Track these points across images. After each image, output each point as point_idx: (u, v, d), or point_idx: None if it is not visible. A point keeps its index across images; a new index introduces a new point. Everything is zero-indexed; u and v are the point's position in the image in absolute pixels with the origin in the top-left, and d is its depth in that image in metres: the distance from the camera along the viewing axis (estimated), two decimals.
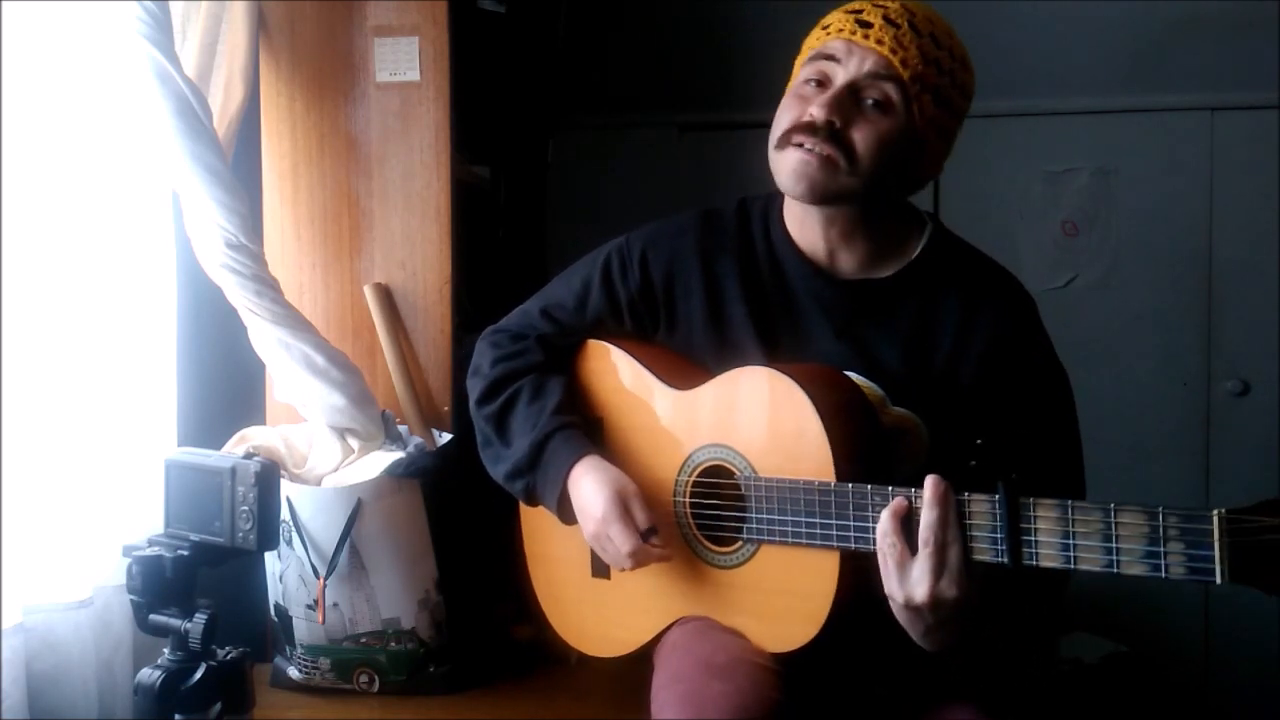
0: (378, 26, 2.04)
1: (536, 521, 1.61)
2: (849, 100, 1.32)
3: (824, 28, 1.38)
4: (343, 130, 2.06)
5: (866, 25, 1.33)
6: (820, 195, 1.33)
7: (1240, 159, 3.01)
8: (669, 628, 1.45)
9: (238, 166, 1.90)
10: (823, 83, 1.34)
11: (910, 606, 1.17)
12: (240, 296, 1.84)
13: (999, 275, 1.43)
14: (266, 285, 1.85)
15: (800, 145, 1.32)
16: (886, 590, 1.19)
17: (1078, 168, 3.12)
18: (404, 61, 2.03)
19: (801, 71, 1.38)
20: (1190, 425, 3.06)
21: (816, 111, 1.31)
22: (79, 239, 1.69)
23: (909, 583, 1.16)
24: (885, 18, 1.33)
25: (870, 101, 1.32)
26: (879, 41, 1.32)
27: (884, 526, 1.18)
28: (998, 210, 3.12)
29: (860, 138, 1.31)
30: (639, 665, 1.50)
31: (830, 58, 1.34)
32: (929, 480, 1.16)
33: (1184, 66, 3.02)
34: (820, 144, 1.31)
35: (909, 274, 1.40)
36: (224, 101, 1.93)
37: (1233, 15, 2.95)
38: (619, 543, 1.37)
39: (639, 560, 1.37)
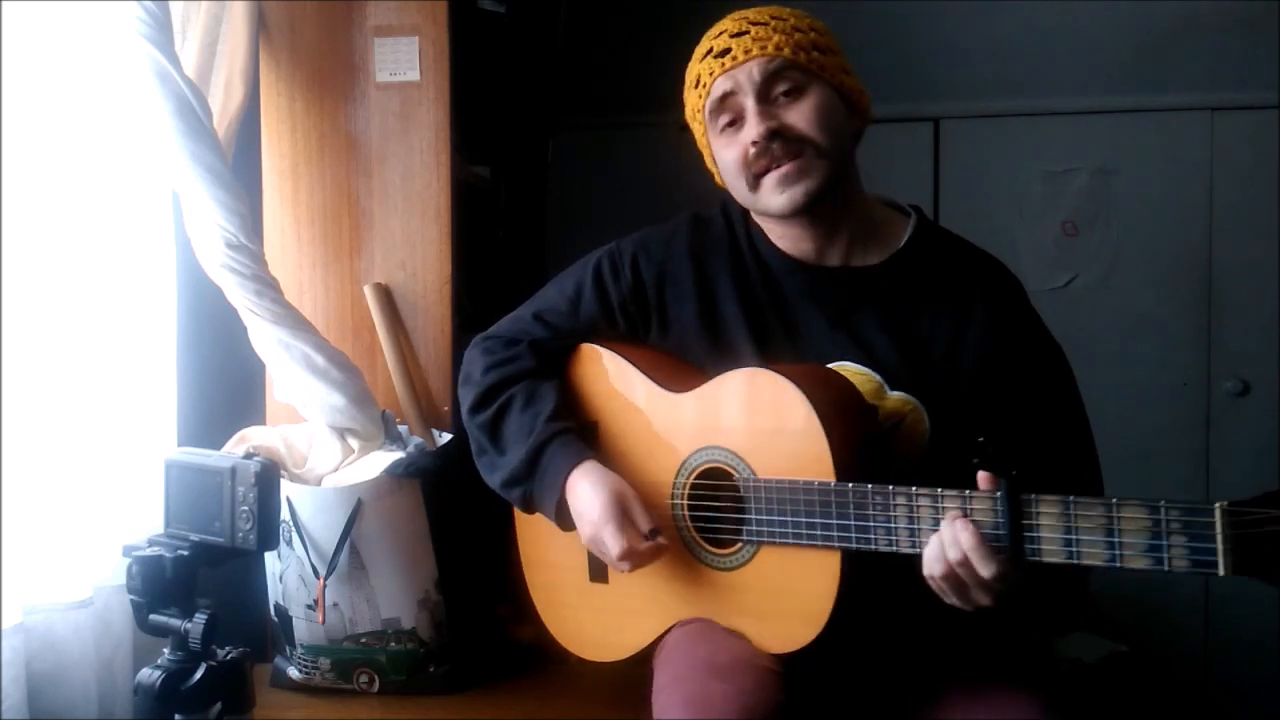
0: (378, 26, 2.04)
1: (532, 527, 1.60)
2: (768, 108, 1.36)
3: (698, 86, 1.42)
4: (343, 130, 2.06)
5: (727, 51, 1.37)
6: (812, 198, 1.35)
7: (1240, 159, 3.01)
8: (668, 630, 1.45)
9: (238, 166, 1.90)
10: (735, 120, 1.38)
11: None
12: (240, 296, 1.84)
13: (987, 262, 1.46)
14: (266, 285, 1.85)
15: (763, 171, 1.36)
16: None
17: (1078, 168, 3.12)
18: (404, 61, 2.03)
19: (710, 128, 1.41)
20: (1190, 425, 3.05)
21: (752, 132, 1.35)
22: (79, 239, 1.69)
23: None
24: (739, 33, 1.37)
25: (783, 93, 1.36)
26: (747, 51, 1.36)
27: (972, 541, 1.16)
28: (998, 210, 3.12)
29: (799, 121, 1.35)
30: (638, 666, 1.50)
31: (726, 96, 1.38)
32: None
33: (1184, 66, 3.01)
34: (777, 154, 1.34)
35: (898, 261, 1.41)
36: (224, 101, 1.93)
37: (1233, 15, 2.95)
38: (612, 545, 1.37)
39: (635, 561, 1.37)
